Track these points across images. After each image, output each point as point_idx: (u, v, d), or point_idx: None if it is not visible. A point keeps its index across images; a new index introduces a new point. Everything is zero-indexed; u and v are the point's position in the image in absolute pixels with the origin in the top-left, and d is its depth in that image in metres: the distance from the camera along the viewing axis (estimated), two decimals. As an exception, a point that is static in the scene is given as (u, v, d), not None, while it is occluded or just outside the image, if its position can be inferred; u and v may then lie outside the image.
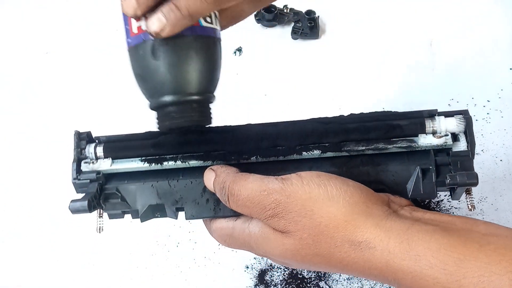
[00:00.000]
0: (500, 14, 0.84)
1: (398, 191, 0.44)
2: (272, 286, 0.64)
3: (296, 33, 0.85)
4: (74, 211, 0.45)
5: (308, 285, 0.64)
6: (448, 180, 0.43)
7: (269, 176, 0.42)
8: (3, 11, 0.95)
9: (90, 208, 0.45)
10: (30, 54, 0.89)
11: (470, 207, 0.45)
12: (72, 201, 0.45)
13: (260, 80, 0.74)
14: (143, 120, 0.79)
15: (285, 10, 0.87)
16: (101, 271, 0.67)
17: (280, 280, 0.64)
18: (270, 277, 0.65)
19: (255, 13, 0.87)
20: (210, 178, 0.45)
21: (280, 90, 0.81)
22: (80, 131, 0.48)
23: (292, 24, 0.86)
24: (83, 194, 0.47)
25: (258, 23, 0.88)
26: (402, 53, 0.82)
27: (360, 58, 0.82)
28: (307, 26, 0.84)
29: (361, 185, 0.42)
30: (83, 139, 0.48)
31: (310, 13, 0.86)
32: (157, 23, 0.39)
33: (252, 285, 0.65)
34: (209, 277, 0.66)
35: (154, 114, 0.44)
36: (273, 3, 0.87)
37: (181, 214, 0.48)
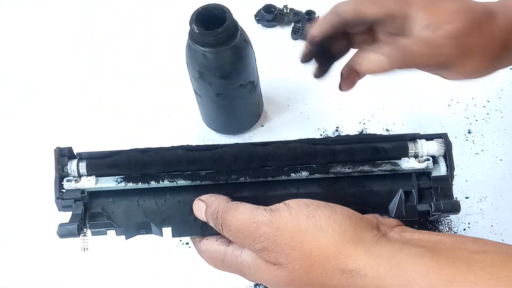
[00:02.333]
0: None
1: (381, 212, 0.46)
2: (272, 286, 0.64)
3: (296, 33, 0.85)
4: (62, 236, 0.44)
5: (308, 285, 0.64)
6: (432, 208, 0.46)
7: (259, 207, 0.42)
8: (3, 11, 0.95)
9: (79, 232, 0.45)
10: (31, 54, 0.89)
11: (447, 229, 0.48)
12: (60, 225, 0.44)
13: (260, 81, 0.74)
14: (131, 116, 0.79)
15: (285, 10, 0.87)
16: (101, 271, 0.67)
17: (280, 280, 0.64)
18: (270, 277, 0.65)
19: (255, 13, 0.88)
20: (201, 209, 0.45)
21: (280, 90, 0.81)
22: (61, 147, 0.46)
23: (292, 24, 0.87)
24: (67, 213, 0.46)
25: (258, 23, 0.88)
26: (402, 53, 0.82)
27: (360, 58, 0.82)
28: (307, 26, 0.84)
29: (349, 210, 0.42)
30: (64, 155, 0.46)
31: (310, 13, 0.86)
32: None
33: (252, 285, 0.65)
34: (209, 277, 0.66)
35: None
36: (273, 3, 0.87)
37: (167, 231, 0.48)
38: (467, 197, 0.69)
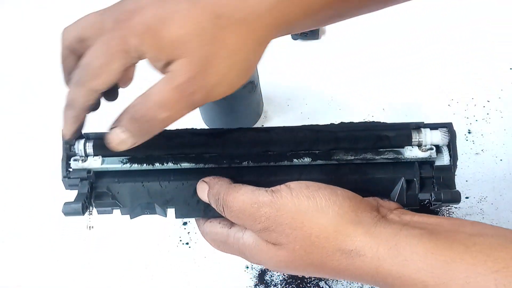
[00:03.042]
0: (500, 14, 0.84)
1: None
2: (272, 286, 0.64)
3: (296, 33, 0.85)
4: (67, 214, 0.45)
5: (308, 285, 0.64)
6: (433, 197, 0.45)
7: (260, 188, 0.43)
8: (3, 11, 0.95)
9: (84, 211, 0.45)
10: (31, 53, 0.89)
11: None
12: (66, 203, 0.45)
13: (260, 81, 0.74)
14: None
15: (285, 10, 0.87)
16: (101, 271, 0.67)
17: (280, 280, 0.64)
18: (270, 277, 0.65)
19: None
20: (203, 190, 0.46)
21: (280, 90, 0.81)
22: None
23: (292, 24, 0.86)
24: (74, 192, 0.46)
25: (258, 23, 0.88)
26: (401, 53, 0.82)
27: (359, 59, 0.83)
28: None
29: (350, 192, 0.42)
30: None
31: (310, 13, 0.86)
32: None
33: (252, 285, 0.65)
34: (209, 277, 0.66)
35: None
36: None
37: (171, 212, 0.48)
38: (467, 197, 0.69)
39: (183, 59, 0.37)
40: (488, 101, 0.77)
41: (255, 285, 0.65)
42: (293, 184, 0.42)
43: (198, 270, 0.66)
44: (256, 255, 0.44)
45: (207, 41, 0.37)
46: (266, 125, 0.78)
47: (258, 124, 0.78)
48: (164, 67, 0.38)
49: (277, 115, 0.79)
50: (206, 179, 0.46)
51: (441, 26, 0.84)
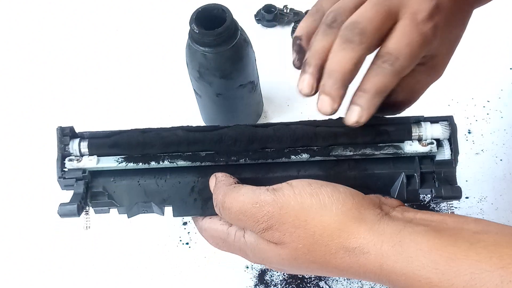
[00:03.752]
0: (500, 14, 0.84)
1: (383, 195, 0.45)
2: (272, 286, 0.64)
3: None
4: (63, 215, 0.45)
5: (308, 285, 0.64)
6: (433, 194, 0.45)
7: (261, 188, 0.42)
8: (2, 11, 0.95)
9: (79, 212, 0.45)
10: (31, 54, 0.89)
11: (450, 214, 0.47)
12: (61, 204, 0.45)
13: (260, 81, 0.74)
14: (131, 115, 0.79)
15: (285, 10, 0.87)
16: (101, 271, 0.67)
17: (280, 280, 0.64)
18: (270, 277, 0.65)
19: (255, 13, 0.88)
20: (211, 185, 0.46)
21: (280, 90, 0.81)
22: (63, 126, 0.47)
23: (292, 24, 0.86)
24: (69, 193, 0.46)
25: (258, 23, 0.88)
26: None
27: (360, 58, 0.82)
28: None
29: (352, 189, 0.42)
30: (66, 134, 0.47)
31: (310, 13, 0.86)
32: (354, 113, 0.41)
33: (252, 285, 0.65)
34: (209, 277, 0.66)
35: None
36: (273, 3, 0.87)
37: (168, 210, 0.48)
38: (467, 197, 0.69)
39: None
40: (488, 101, 0.77)
41: (255, 285, 0.65)
42: (294, 182, 0.42)
43: (198, 270, 0.66)
44: (258, 254, 0.43)
45: None
46: (266, 125, 0.78)
47: (258, 124, 0.78)
48: None
49: (277, 115, 0.79)
50: (218, 174, 0.46)
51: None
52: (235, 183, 0.45)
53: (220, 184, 0.44)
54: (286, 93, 0.80)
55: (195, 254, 0.67)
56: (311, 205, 0.40)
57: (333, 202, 0.40)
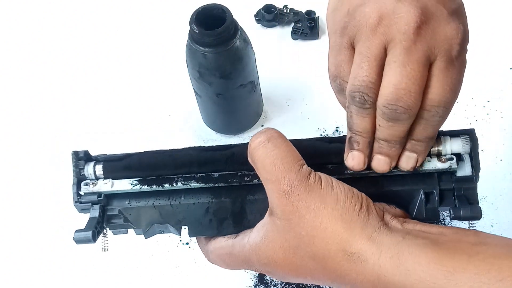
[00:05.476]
0: (500, 14, 0.84)
1: None
2: (272, 286, 0.64)
3: (296, 33, 0.85)
4: (79, 242, 0.45)
5: (308, 285, 0.64)
6: (451, 214, 0.44)
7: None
8: (3, 11, 0.95)
9: (95, 238, 0.45)
10: (31, 54, 0.89)
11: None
12: (77, 231, 0.45)
13: (260, 81, 0.74)
14: (131, 115, 0.79)
15: (285, 10, 0.87)
16: (101, 271, 0.67)
17: (280, 280, 0.64)
18: (270, 277, 0.65)
19: (255, 13, 0.88)
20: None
21: (280, 90, 0.81)
22: (78, 151, 0.47)
23: (292, 24, 0.87)
24: (86, 216, 0.46)
25: (258, 23, 0.88)
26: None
27: (360, 58, 0.82)
28: (307, 26, 0.84)
29: (363, 194, 0.42)
30: (81, 158, 0.47)
31: (310, 13, 0.86)
32: (412, 160, 0.43)
33: (252, 285, 0.65)
34: (209, 277, 0.66)
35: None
36: (273, 3, 0.87)
37: (185, 230, 0.48)
38: (467, 197, 0.69)
39: None
40: (488, 101, 0.77)
41: (255, 285, 0.65)
42: (321, 174, 0.42)
43: (198, 270, 0.66)
44: (264, 251, 0.43)
45: None
46: (266, 125, 0.78)
47: (258, 124, 0.78)
48: None
49: (277, 115, 0.79)
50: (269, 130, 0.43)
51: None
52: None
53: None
54: (286, 93, 0.80)
55: (195, 254, 0.67)
56: (329, 196, 0.40)
57: (347, 200, 0.40)
